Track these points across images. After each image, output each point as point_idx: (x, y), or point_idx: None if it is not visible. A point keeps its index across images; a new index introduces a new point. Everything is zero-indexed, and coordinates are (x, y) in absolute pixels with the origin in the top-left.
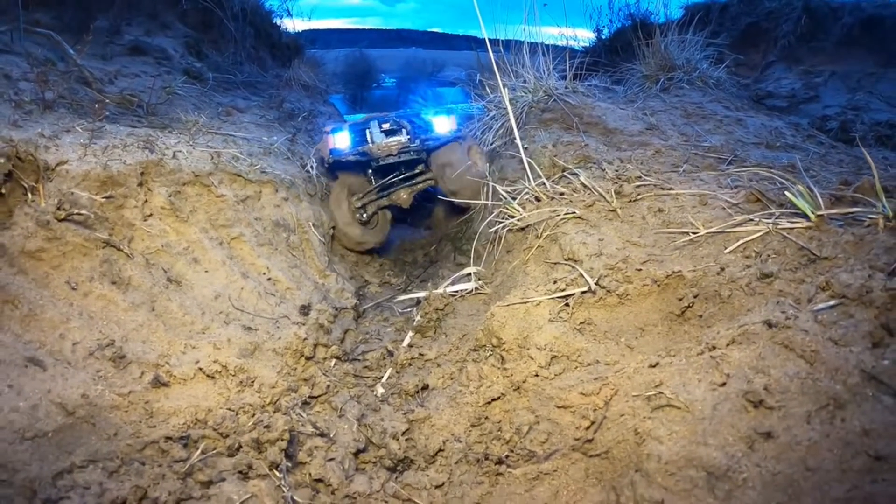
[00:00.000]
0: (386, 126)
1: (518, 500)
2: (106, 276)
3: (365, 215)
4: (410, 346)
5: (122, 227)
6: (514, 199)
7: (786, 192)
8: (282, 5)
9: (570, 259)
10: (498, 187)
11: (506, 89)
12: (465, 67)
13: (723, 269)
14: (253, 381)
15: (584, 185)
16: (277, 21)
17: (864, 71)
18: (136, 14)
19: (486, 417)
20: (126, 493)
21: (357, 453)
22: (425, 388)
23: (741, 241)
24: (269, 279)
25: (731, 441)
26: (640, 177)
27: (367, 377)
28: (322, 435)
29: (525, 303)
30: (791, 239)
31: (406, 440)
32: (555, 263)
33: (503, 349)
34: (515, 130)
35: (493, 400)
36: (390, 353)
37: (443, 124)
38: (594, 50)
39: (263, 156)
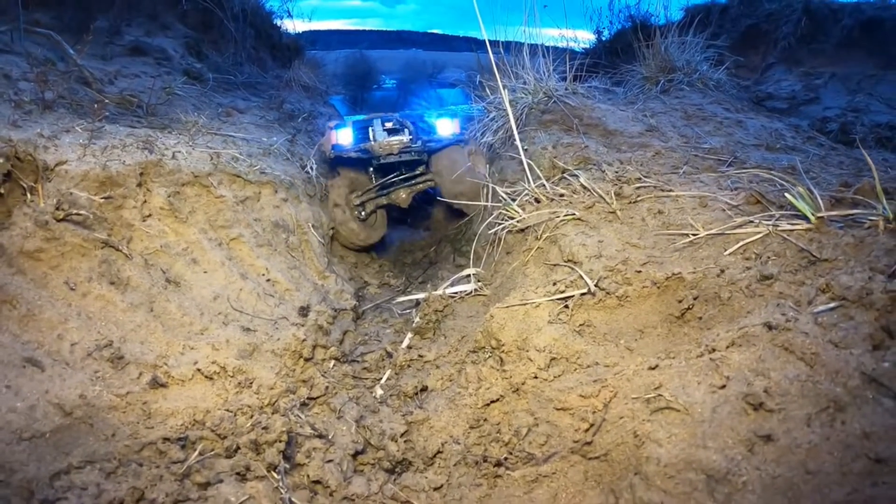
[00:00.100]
0: (389, 125)
1: (517, 502)
2: (104, 277)
3: (363, 213)
4: (409, 347)
5: (120, 227)
6: (513, 200)
7: (786, 194)
8: (282, 6)
9: (569, 261)
10: (498, 189)
11: (506, 91)
12: (465, 69)
13: (723, 271)
14: (251, 383)
15: (584, 187)
16: (278, 22)
17: (864, 73)
18: (136, 14)
19: (485, 419)
20: (123, 495)
21: (355, 455)
22: (424, 389)
23: (741, 243)
24: (268, 280)
25: (730, 444)
26: (640, 178)
27: (366, 379)
28: (320, 436)
29: (524, 304)
30: (791, 241)
31: (405, 442)
32: (554, 265)
33: (502, 351)
34: (515, 132)
35: (492, 402)
36: (389, 355)
37: (445, 127)
38: (594, 51)
39: (263, 157)
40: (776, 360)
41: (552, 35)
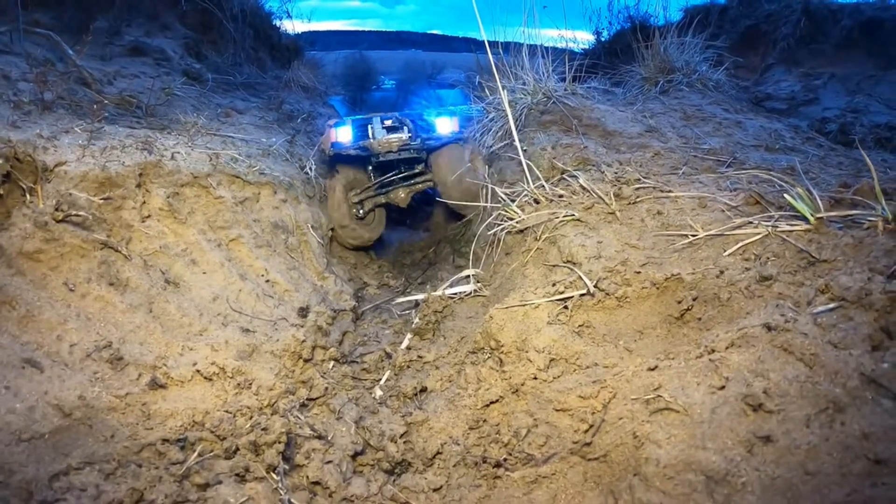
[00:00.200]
0: (388, 123)
1: (516, 503)
2: (104, 278)
3: (361, 211)
4: (409, 348)
5: (120, 228)
6: (512, 201)
7: (785, 195)
8: (281, 7)
9: (568, 261)
10: (497, 189)
11: (505, 91)
12: (465, 69)
13: (722, 272)
14: (251, 384)
15: (583, 188)
16: (277, 23)
17: (863, 73)
18: (135, 15)
19: (485, 420)
20: (122, 496)
21: (355, 456)
22: (423, 390)
23: (740, 244)
24: (267, 281)
25: (729, 445)
26: (640, 179)
27: (366, 379)
28: (320, 437)
29: (524, 305)
30: (790, 242)
31: (404, 443)
32: (553, 266)
33: (502, 352)
34: (514, 132)
35: (492, 403)
36: (388, 356)
37: (445, 125)
38: (593, 52)
39: (262, 157)
40: (775, 361)
41: (551, 36)
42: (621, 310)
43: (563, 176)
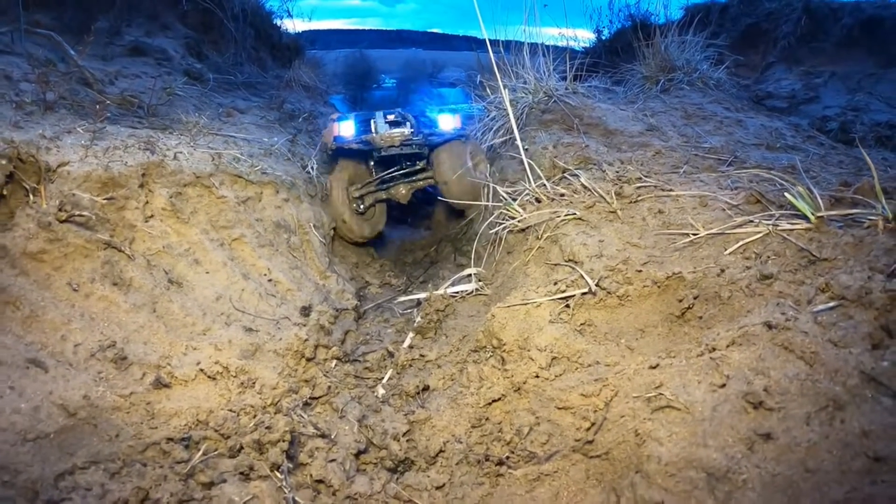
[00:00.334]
0: (391, 118)
1: (519, 501)
2: (107, 278)
3: (362, 206)
4: (411, 347)
5: (123, 228)
6: (514, 200)
7: (786, 194)
8: (282, 6)
9: (570, 260)
10: (498, 188)
11: (506, 90)
12: (466, 68)
13: (723, 271)
14: (254, 383)
15: (585, 187)
16: (278, 22)
17: (864, 72)
18: (136, 15)
19: (487, 418)
20: (127, 495)
21: (358, 454)
22: (426, 389)
23: (741, 243)
24: (269, 280)
25: (730, 442)
26: (641, 178)
27: (368, 378)
28: (323, 436)
29: (525, 304)
30: (791, 240)
31: (407, 441)
32: (555, 265)
33: (504, 350)
34: (516, 131)
35: (494, 401)
36: (391, 355)
37: (447, 122)
38: (594, 51)
39: (264, 157)
40: (776, 359)
41: (552, 34)
42: (623, 308)
43: (565, 175)
